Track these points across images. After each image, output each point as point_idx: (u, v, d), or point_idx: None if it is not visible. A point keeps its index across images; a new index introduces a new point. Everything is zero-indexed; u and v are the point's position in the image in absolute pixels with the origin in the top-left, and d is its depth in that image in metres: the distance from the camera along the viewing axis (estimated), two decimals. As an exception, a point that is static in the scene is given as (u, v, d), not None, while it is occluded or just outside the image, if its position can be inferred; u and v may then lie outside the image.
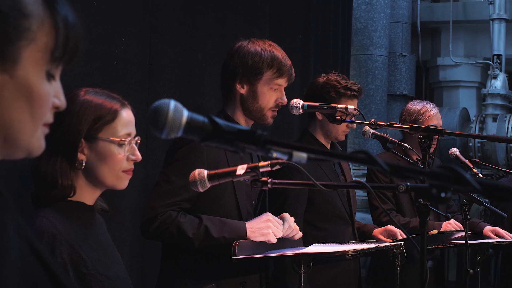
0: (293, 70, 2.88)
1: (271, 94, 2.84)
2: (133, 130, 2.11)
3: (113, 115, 2.05)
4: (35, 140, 1.13)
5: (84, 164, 2.03)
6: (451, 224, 3.87)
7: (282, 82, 2.86)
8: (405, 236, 3.40)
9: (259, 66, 2.80)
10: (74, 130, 2.01)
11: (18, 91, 1.09)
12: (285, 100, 2.88)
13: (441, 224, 3.89)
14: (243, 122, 2.84)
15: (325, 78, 3.53)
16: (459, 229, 3.80)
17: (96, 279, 1.95)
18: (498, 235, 3.90)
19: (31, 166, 2.05)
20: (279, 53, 2.85)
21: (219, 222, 2.63)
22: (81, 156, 2.03)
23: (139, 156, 2.11)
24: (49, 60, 1.11)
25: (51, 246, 1.89)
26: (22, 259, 1.15)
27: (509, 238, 3.86)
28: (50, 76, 1.13)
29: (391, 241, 3.41)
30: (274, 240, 2.60)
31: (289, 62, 2.87)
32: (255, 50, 2.82)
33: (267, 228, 2.60)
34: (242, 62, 2.81)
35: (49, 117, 1.15)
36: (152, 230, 2.61)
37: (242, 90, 2.83)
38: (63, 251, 1.90)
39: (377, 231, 3.57)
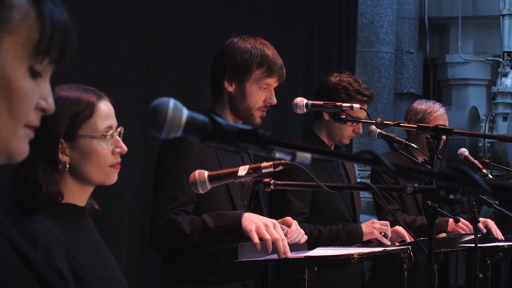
0: (284, 70, 2.86)
1: (259, 94, 2.82)
2: (114, 122, 2.07)
3: (91, 109, 2.01)
4: (15, 141, 1.10)
5: (68, 166, 2.00)
6: (460, 225, 3.86)
7: (272, 81, 2.84)
8: (412, 239, 3.40)
9: (248, 64, 2.78)
10: (52, 131, 1.97)
11: None
12: (274, 100, 2.86)
13: (447, 220, 3.87)
14: (231, 121, 2.81)
15: (337, 78, 3.52)
16: (469, 230, 3.79)
17: (95, 283, 1.94)
18: (487, 227, 3.88)
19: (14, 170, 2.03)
20: (270, 51, 2.83)
21: (217, 214, 2.60)
22: (63, 158, 2.00)
23: (124, 147, 2.07)
24: (32, 54, 1.09)
25: (48, 250, 1.86)
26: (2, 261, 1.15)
27: (499, 236, 3.85)
28: (34, 73, 1.10)
29: (398, 244, 3.40)
30: (255, 240, 2.46)
31: (280, 61, 2.84)
32: (245, 47, 2.80)
33: (262, 227, 2.47)
34: (231, 59, 2.80)
35: (33, 119, 1.12)
36: (157, 239, 2.63)
37: (230, 88, 2.82)
38: (61, 255, 1.88)
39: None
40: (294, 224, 2.62)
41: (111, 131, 2.04)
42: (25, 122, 1.11)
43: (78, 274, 1.90)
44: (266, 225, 2.49)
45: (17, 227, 1.92)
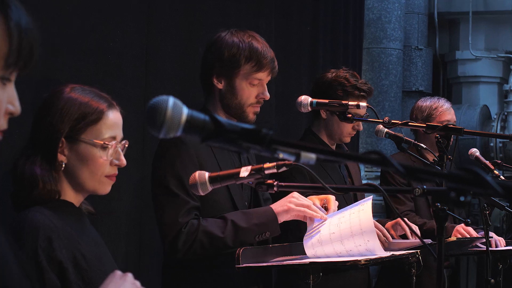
0: (275, 63, 2.85)
1: (251, 90, 2.82)
2: (119, 134, 2.10)
3: (98, 115, 2.04)
4: None
5: (63, 166, 2.03)
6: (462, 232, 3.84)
7: (263, 76, 2.83)
8: (419, 241, 3.39)
9: (236, 58, 2.78)
10: (55, 128, 2.01)
11: None
12: (267, 95, 2.85)
13: (453, 227, 3.86)
14: None
15: (334, 74, 3.52)
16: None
17: (96, 275, 1.97)
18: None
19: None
20: (259, 44, 2.82)
21: (242, 213, 2.66)
22: (60, 157, 2.03)
23: (123, 161, 2.10)
24: (3, 67, 1.11)
25: (48, 240, 1.89)
26: None
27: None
28: (3, 82, 1.12)
29: (400, 238, 3.39)
30: (306, 212, 2.65)
31: (270, 54, 2.83)
32: (232, 42, 2.80)
33: (290, 203, 2.64)
34: (219, 55, 2.80)
35: (2, 124, 1.15)
36: (181, 246, 2.60)
37: (220, 85, 2.82)
38: (62, 245, 1.91)
39: (388, 224, 3.53)
40: (333, 197, 2.78)
41: (113, 142, 2.06)
42: None
43: (80, 264, 1.93)
44: (292, 202, 2.66)
45: (15, 218, 1.95)
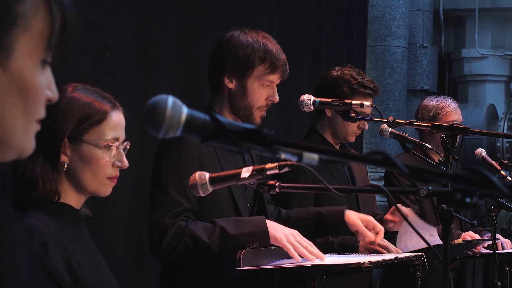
0: (287, 66, 2.86)
1: (261, 91, 2.82)
2: (122, 135, 2.11)
3: (102, 116, 2.05)
4: (27, 139, 1.12)
5: (65, 166, 2.04)
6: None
7: (275, 78, 2.84)
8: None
9: (251, 59, 2.78)
10: (58, 128, 2.02)
11: (12, 85, 1.06)
12: (277, 98, 2.86)
13: (459, 234, 3.86)
14: None
15: (339, 72, 3.52)
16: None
17: (92, 284, 1.97)
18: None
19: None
20: (273, 46, 2.83)
21: (234, 220, 2.65)
22: (63, 158, 2.04)
23: (126, 163, 2.11)
24: (45, 49, 1.09)
25: (43, 246, 1.90)
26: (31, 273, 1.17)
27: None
28: (43, 66, 1.10)
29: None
30: (296, 257, 2.59)
31: (283, 56, 2.85)
32: (246, 42, 2.80)
33: (285, 236, 2.60)
34: (232, 54, 2.79)
35: (42, 112, 1.13)
36: (165, 246, 2.59)
37: (231, 85, 2.82)
38: (57, 252, 1.91)
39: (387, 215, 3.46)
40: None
41: (116, 143, 2.07)
42: (37, 118, 1.13)
43: (75, 272, 1.93)
44: (292, 236, 2.60)
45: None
